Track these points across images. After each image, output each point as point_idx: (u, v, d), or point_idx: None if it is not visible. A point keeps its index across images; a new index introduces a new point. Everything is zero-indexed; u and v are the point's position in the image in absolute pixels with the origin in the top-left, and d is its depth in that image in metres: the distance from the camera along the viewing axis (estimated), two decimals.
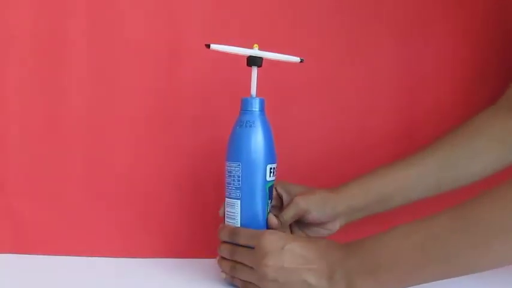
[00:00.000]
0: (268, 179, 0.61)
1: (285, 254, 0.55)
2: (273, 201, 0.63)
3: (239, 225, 0.61)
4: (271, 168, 0.61)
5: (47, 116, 0.72)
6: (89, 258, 0.72)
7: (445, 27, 0.75)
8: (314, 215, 0.64)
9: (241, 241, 0.59)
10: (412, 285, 0.51)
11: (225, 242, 0.62)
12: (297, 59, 0.61)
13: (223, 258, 0.62)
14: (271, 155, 0.61)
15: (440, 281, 0.51)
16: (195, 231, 0.73)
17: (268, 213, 0.62)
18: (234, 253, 0.60)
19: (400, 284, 0.52)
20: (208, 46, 0.59)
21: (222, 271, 0.62)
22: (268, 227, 0.62)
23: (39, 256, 0.72)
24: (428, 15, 0.75)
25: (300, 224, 0.66)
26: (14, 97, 0.71)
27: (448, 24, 0.75)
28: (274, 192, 0.64)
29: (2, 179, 0.71)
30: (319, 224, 0.65)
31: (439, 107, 0.76)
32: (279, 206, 0.66)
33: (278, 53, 0.61)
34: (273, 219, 0.61)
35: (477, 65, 0.76)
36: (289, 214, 0.63)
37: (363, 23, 0.74)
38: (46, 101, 0.71)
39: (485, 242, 0.46)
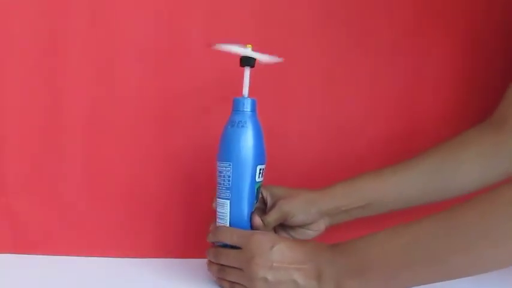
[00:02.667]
0: (257, 179, 0.61)
1: (274, 254, 0.56)
2: (257, 203, 0.64)
3: (228, 226, 0.62)
4: (260, 169, 0.61)
5: (47, 116, 0.72)
6: (89, 258, 0.73)
7: (445, 28, 0.75)
8: (299, 217, 0.65)
9: (229, 241, 0.60)
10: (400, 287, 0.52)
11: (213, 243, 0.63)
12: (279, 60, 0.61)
13: (211, 261, 0.63)
14: (261, 156, 0.61)
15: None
16: (191, 231, 0.74)
17: (253, 213, 0.62)
18: (219, 256, 0.61)
19: (387, 285, 0.52)
20: (210, 46, 0.60)
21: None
22: (252, 227, 0.62)
23: (39, 256, 0.72)
24: (428, 16, 0.75)
25: (285, 226, 0.66)
26: (14, 97, 0.72)
27: (448, 24, 0.75)
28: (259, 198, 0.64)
29: (2, 179, 0.72)
30: (305, 225, 0.66)
31: (439, 109, 0.76)
32: (263, 209, 0.66)
33: (270, 54, 0.61)
34: (256, 220, 0.62)
35: (478, 66, 0.76)
36: (272, 217, 0.64)
37: (362, 23, 0.74)
38: (46, 101, 0.72)
39: (469, 247, 0.47)
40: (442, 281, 0.51)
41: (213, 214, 0.65)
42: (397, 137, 0.76)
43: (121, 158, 0.73)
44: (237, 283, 0.59)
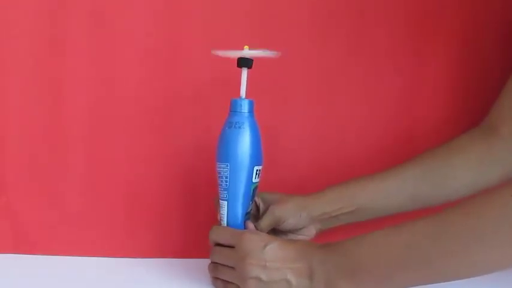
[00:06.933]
0: (253, 180, 0.62)
1: (267, 253, 0.56)
2: (251, 209, 0.65)
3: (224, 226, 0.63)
4: (257, 170, 0.62)
5: (47, 116, 0.73)
6: (89, 258, 0.73)
7: (444, 29, 0.75)
8: (290, 222, 0.66)
9: (222, 240, 0.61)
10: None
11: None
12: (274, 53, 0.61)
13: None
14: (258, 157, 0.62)
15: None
16: (190, 232, 0.75)
17: (248, 213, 0.63)
18: (214, 254, 0.62)
19: (378, 286, 0.53)
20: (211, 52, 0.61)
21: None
22: None
23: (39, 256, 0.73)
24: (427, 17, 0.75)
25: (276, 231, 0.67)
26: (14, 97, 0.73)
27: (448, 25, 0.75)
28: (253, 205, 0.65)
29: (2, 179, 0.72)
30: (296, 230, 0.67)
31: (439, 110, 0.77)
32: (256, 215, 0.67)
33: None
34: (250, 225, 0.63)
35: (477, 67, 0.76)
36: (265, 223, 0.65)
37: (361, 23, 0.75)
38: (46, 101, 0.73)
39: (463, 249, 0.48)
40: (435, 282, 0.51)
41: (213, 214, 0.65)
42: (396, 139, 0.76)
43: (121, 158, 0.74)
44: (230, 282, 0.60)
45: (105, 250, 0.74)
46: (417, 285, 0.52)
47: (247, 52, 0.61)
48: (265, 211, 0.66)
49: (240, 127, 0.61)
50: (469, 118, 0.72)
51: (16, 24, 0.71)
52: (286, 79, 0.75)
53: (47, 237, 0.74)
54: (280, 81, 0.75)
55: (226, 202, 0.62)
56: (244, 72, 0.62)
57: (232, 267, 0.59)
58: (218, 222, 0.64)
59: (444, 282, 0.51)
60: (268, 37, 0.73)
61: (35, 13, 0.71)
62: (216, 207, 0.64)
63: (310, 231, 0.67)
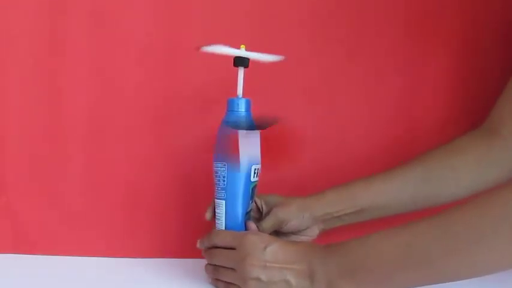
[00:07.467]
0: (252, 179, 0.62)
1: (267, 254, 0.57)
2: (252, 212, 0.65)
3: (223, 226, 0.63)
4: (255, 169, 0.62)
5: (47, 116, 0.73)
6: (89, 258, 0.73)
7: (445, 29, 0.75)
8: (293, 223, 0.66)
9: (222, 243, 0.61)
10: None
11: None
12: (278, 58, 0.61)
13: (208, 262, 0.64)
14: (256, 156, 0.62)
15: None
16: (190, 231, 0.75)
17: (248, 212, 0.63)
18: (214, 256, 0.62)
19: (379, 286, 0.53)
20: (198, 48, 0.60)
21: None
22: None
23: (39, 256, 0.73)
24: (428, 17, 0.75)
25: (278, 233, 0.68)
26: (14, 97, 0.73)
27: (448, 25, 0.75)
28: (253, 205, 0.65)
29: (2, 179, 0.72)
30: (299, 231, 0.67)
31: (439, 110, 0.77)
32: (258, 218, 0.67)
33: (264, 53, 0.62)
34: (252, 226, 0.63)
35: (477, 67, 0.76)
36: (268, 224, 0.65)
37: (361, 23, 0.75)
38: (46, 101, 0.73)
39: (465, 249, 0.48)
40: (436, 283, 0.51)
41: (212, 214, 0.65)
42: (396, 139, 0.76)
43: (121, 158, 0.74)
44: (232, 283, 0.60)
45: (105, 250, 0.74)
46: (418, 286, 0.52)
47: (244, 52, 0.61)
48: (267, 213, 0.67)
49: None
50: (469, 118, 0.73)
51: (16, 24, 0.72)
52: (286, 79, 0.75)
53: (47, 237, 0.74)
54: (280, 81, 0.75)
55: (224, 201, 0.62)
56: (241, 71, 0.62)
57: (232, 269, 0.59)
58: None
59: (445, 282, 0.51)
60: (268, 37, 0.73)
61: (35, 13, 0.72)
62: (211, 206, 0.65)
63: (313, 232, 0.68)
